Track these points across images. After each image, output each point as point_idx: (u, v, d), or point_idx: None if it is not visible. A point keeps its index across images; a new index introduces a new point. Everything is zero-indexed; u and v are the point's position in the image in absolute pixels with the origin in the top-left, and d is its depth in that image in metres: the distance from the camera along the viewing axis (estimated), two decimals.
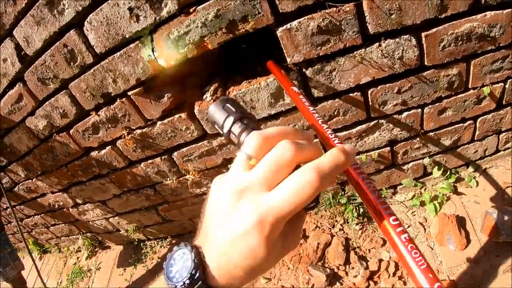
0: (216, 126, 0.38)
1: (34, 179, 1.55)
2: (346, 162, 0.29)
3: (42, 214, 1.86)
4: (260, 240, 0.27)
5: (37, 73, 1.04)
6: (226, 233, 0.29)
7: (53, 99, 1.10)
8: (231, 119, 0.36)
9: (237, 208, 0.28)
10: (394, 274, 1.11)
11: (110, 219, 1.65)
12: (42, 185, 1.57)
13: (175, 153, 1.17)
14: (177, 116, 1.03)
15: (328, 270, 1.17)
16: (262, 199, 0.27)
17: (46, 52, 0.97)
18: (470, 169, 1.21)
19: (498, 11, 0.81)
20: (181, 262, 0.31)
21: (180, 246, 0.33)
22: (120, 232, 1.73)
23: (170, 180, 1.25)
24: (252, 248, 0.27)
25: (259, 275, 0.31)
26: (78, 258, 1.97)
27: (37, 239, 2.19)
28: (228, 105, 0.37)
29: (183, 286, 0.30)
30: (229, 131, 0.35)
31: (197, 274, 0.30)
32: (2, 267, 1.51)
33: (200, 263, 0.30)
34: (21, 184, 1.64)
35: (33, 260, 1.39)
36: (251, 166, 0.29)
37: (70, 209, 1.67)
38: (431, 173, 1.22)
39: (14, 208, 1.95)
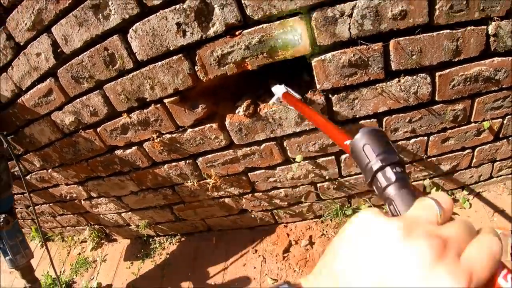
0: (364, 147, 0.32)
1: (49, 170, 1.58)
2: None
3: (51, 204, 1.88)
4: None
5: (71, 71, 1.07)
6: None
7: (84, 97, 1.14)
8: (395, 157, 0.31)
9: (439, 269, 0.22)
10: None
11: (123, 214, 1.70)
12: (58, 176, 1.60)
13: (200, 159, 1.24)
14: (208, 125, 1.11)
15: None
16: (462, 261, 0.23)
17: (85, 53, 1.01)
18: (465, 192, 1.33)
19: (505, 58, 0.91)
20: None
21: None
22: (130, 227, 1.78)
23: (190, 182, 1.32)
24: None
25: None
26: (83, 248, 2.01)
27: (41, 226, 2.21)
28: (390, 141, 0.32)
29: None
30: (386, 166, 0.31)
31: None
32: (13, 254, 1.54)
33: None
34: (34, 173, 1.67)
35: (47, 249, 1.44)
36: (437, 222, 0.26)
37: (82, 201, 1.71)
38: (429, 193, 1.33)
39: (23, 196, 1.97)
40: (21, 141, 1.50)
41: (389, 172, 0.30)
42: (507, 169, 1.28)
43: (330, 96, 0.99)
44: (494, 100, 1.03)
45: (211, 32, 0.90)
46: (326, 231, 1.41)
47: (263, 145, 1.15)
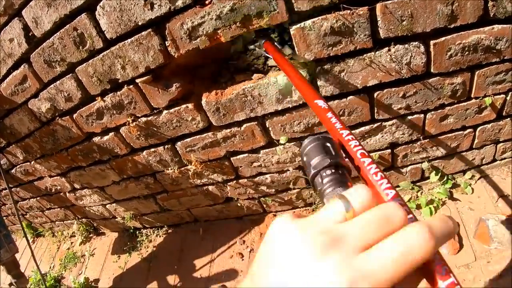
0: (304, 159, 0.34)
1: (32, 162, 1.54)
2: (455, 228, 0.24)
3: (38, 198, 1.85)
4: None
5: (44, 55, 1.03)
6: None
7: (58, 82, 1.09)
8: (326, 160, 0.32)
9: (322, 264, 0.21)
10: None
11: (107, 206, 1.65)
12: (41, 168, 1.56)
13: (179, 143, 1.17)
14: (183, 106, 1.04)
15: None
16: (358, 259, 0.21)
17: (55, 35, 0.96)
18: (467, 176, 1.24)
19: (505, 25, 0.83)
20: None
21: None
22: (116, 219, 1.73)
23: (171, 169, 1.26)
24: None
25: None
26: (72, 243, 1.97)
27: (31, 222, 2.18)
28: (329, 144, 0.33)
29: None
30: (318, 172, 0.32)
31: None
32: None
33: None
34: (18, 166, 1.63)
35: (29, 244, 1.39)
36: (346, 220, 0.24)
37: (67, 194, 1.67)
38: (428, 178, 1.25)
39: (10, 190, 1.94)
40: (2, 132, 1.46)
41: (320, 177, 0.32)
42: (511, 151, 1.19)
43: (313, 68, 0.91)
44: (496, 73, 0.94)
45: (179, 2, 0.84)
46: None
47: (244, 125, 1.07)
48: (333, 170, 0.31)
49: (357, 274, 0.20)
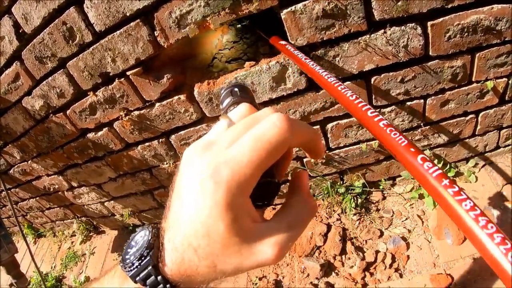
0: (220, 107, 0.37)
1: (29, 161, 1.53)
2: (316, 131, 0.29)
3: (37, 198, 1.84)
4: (213, 202, 0.22)
5: (34, 52, 1.02)
6: (178, 198, 0.24)
7: (50, 78, 1.08)
8: (231, 100, 0.34)
9: (197, 163, 0.24)
10: (390, 266, 1.10)
11: (105, 203, 1.63)
12: (38, 167, 1.55)
13: (173, 136, 1.15)
14: (176, 97, 1.01)
15: (322, 260, 1.17)
16: (224, 152, 0.23)
17: (45, 30, 0.95)
18: (470, 164, 1.21)
19: (505, 5, 0.80)
20: (140, 243, 0.27)
21: (143, 227, 0.29)
22: (115, 217, 1.72)
23: (167, 164, 1.24)
24: (205, 213, 0.22)
25: (222, 273, 0.24)
26: (72, 242, 1.96)
27: (32, 223, 2.17)
28: (236, 89, 0.36)
29: (132, 270, 0.25)
30: (226, 111, 0.34)
31: (147, 257, 0.25)
32: None
33: (153, 243, 0.26)
34: (16, 166, 1.63)
35: (27, 244, 1.38)
36: None
37: (65, 193, 1.66)
38: None
39: (9, 191, 1.93)
40: None
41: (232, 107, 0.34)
42: None
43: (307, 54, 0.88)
44: (497, 56, 0.91)
45: None
46: (318, 212, 1.30)
47: None
48: (235, 106, 0.33)
49: (220, 162, 0.23)
